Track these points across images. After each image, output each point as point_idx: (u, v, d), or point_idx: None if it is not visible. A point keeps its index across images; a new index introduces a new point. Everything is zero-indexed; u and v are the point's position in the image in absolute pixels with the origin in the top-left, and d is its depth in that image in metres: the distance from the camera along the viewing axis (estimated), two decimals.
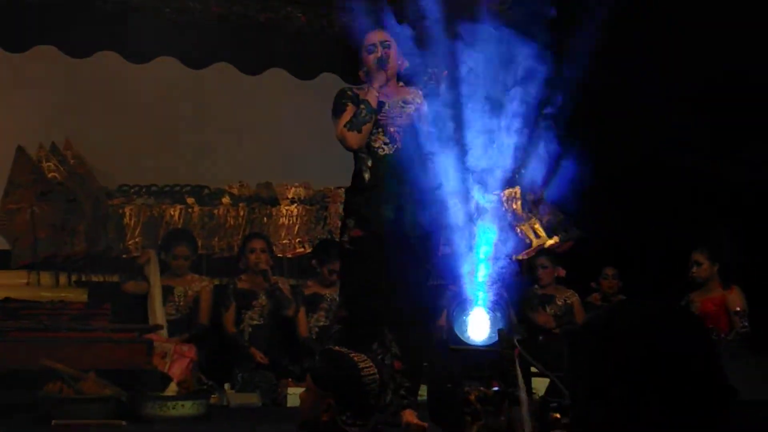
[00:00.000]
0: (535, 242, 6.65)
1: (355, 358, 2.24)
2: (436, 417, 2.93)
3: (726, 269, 5.49)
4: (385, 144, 3.94)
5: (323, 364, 2.24)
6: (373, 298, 3.87)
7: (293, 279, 5.99)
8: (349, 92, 4.00)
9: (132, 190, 6.05)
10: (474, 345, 2.50)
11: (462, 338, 2.56)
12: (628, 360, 1.07)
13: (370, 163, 3.93)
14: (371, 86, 3.93)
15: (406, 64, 4.04)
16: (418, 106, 4.02)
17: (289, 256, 6.20)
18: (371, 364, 2.25)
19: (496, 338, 2.43)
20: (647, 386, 1.07)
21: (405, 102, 3.99)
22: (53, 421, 3.91)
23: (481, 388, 1.99)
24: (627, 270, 6.21)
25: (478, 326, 2.48)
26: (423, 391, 4.01)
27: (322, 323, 5.62)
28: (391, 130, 3.93)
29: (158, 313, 5.25)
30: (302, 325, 5.59)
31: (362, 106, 3.89)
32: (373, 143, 3.92)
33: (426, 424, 3.87)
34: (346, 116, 3.92)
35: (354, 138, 3.88)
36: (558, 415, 1.74)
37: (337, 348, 2.33)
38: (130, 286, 5.35)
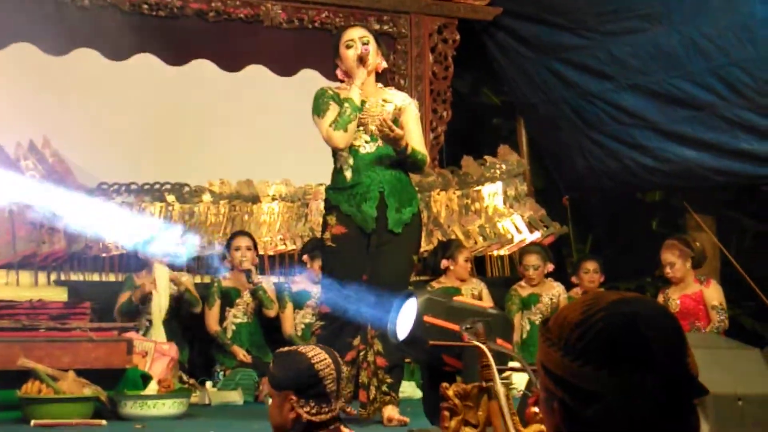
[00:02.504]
0: (517, 238, 6.67)
1: (303, 350, 2.28)
2: (429, 413, 2.92)
3: (697, 262, 5.50)
4: (366, 142, 3.95)
5: (276, 367, 2.28)
6: (356, 295, 3.87)
7: (275, 276, 5.97)
8: (330, 91, 4.00)
9: (111, 188, 6.01)
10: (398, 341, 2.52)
11: (395, 336, 2.57)
12: (619, 360, 1.08)
13: (351, 162, 3.94)
14: (352, 83, 3.93)
15: (385, 64, 4.04)
16: (398, 106, 4.01)
17: (271, 253, 6.19)
18: (320, 351, 2.29)
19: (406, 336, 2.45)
20: (640, 387, 1.07)
21: (384, 101, 4.00)
22: (33, 422, 3.89)
23: (460, 384, 1.99)
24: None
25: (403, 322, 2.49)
26: (404, 387, 4.01)
27: (307, 320, 5.61)
28: (372, 128, 3.93)
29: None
30: (288, 323, 5.57)
31: (346, 105, 3.89)
32: (354, 142, 3.93)
33: (407, 419, 3.88)
34: (330, 115, 3.92)
35: (341, 137, 3.89)
36: (537, 410, 1.74)
37: (285, 348, 2.36)
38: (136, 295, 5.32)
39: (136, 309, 5.32)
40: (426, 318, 2.37)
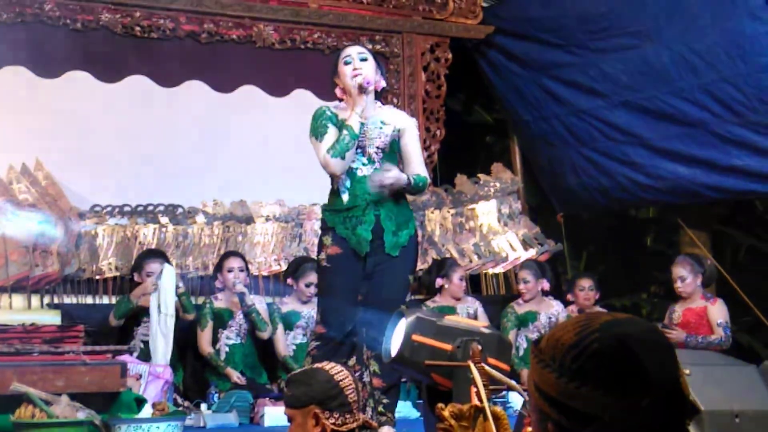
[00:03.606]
0: (512, 256, 6.67)
1: (319, 366, 2.29)
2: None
3: (707, 280, 5.57)
4: (363, 165, 3.93)
5: (293, 387, 2.27)
6: (351, 315, 3.86)
7: (269, 297, 5.96)
8: (328, 112, 3.97)
9: (104, 211, 6.00)
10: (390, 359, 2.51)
11: (388, 354, 2.56)
12: (622, 383, 1.08)
13: (348, 184, 3.92)
14: (351, 104, 3.90)
15: (384, 83, 4.01)
16: (397, 127, 4.00)
17: (265, 274, 6.17)
18: (335, 364, 2.30)
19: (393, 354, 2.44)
20: (636, 407, 1.07)
21: (383, 122, 3.97)
22: None
23: (455, 404, 1.98)
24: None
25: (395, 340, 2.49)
26: (400, 407, 3.99)
27: (299, 341, 5.60)
28: (369, 150, 3.92)
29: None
30: (280, 344, 5.56)
31: (345, 132, 3.86)
32: (351, 164, 3.91)
33: None
34: (328, 139, 3.89)
35: (338, 165, 3.86)
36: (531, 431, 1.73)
37: (298, 370, 2.37)
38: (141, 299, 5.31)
39: (132, 311, 5.30)
40: (414, 337, 2.36)
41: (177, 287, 5.33)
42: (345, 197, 3.91)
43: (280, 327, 5.57)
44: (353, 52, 3.96)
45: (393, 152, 3.97)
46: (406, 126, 4.01)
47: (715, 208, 7.09)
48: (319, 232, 4.09)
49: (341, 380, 2.22)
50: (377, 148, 3.93)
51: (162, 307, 5.09)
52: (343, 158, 3.85)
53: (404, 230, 3.93)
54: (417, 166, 3.96)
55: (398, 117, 4.06)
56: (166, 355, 5.08)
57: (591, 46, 6.50)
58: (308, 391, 2.21)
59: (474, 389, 2.00)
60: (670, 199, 6.61)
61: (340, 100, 4.01)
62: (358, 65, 3.91)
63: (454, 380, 2.21)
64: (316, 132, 3.93)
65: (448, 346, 2.19)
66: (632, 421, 1.08)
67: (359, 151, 3.91)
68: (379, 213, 3.89)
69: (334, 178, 3.94)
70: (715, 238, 7.09)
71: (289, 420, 2.29)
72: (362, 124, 3.89)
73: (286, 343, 5.57)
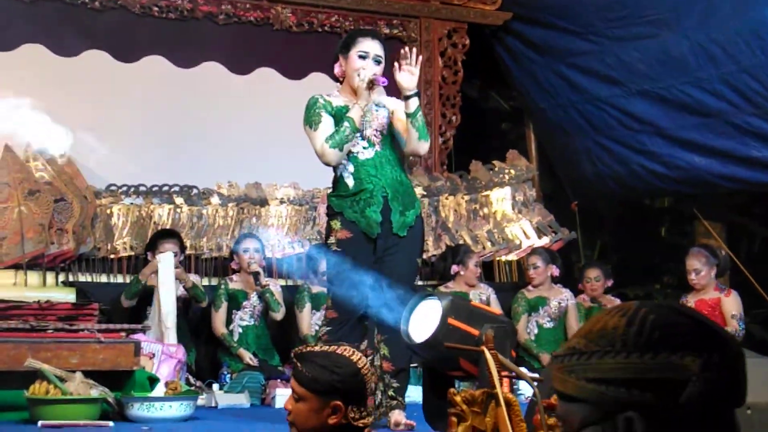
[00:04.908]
0: (525, 243, 6.66)
1: (344, 353, 2.20)
2: (429, 418, 2.92)
3: (721, 271, 5.56)
4: (364, 148, 3.94)
5: (317, 369, 2.15)
6: (361, 299, 3.87)
7: (282, 279, 5.98)
8: (321, 100, 3.97)
9: (120, 190, 6.02)
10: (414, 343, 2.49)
11: (408, 337, 2.54)
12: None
13: (351, 169, 3.93)
14: (356, 102, 3.90)
15: (386, 82, 3.99)
16: (390, 108, 4.01)
17: (279, 256, 6.19)
18: (358, 353, 2.22)
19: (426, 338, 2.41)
20: (715, 364, 1.07)
21: (377, 105, 3.99)
22: (40, 422, 3.89)
23: (468, 389, 1.98)
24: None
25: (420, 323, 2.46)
26: (411, 392, 4.01)
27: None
28: (368, 134, 3.94)
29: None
30: (304, 323, 5.56)
31: (346, 124, 3.86)
32: (352, 149, 3.92)
33: (414, 424, 3.87)
34: (325, 128, 3.90)
35: (335, 156, 3.87)
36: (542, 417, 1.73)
37: (317, 349, 2.25)
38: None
39: (142, 291, 5.32)
40: (450, 320, 2.35)
41: (185, 282, 5.34)
42: (350, 182, 3.92)
43: (307, 306, 5.57)
44: (372, 49, 3.94)
45: (390, 134, 4.00)
46: (397, 106, 4.02)
47: (731, 198, 7.06)
48: None
49: (366, 374, 2.16)
50: (376, 130, 3.96)
51: (163, 304, 5.07)
52: (341, 150, 3.86)
53: (410, 210, 3.96)
54: None
55: (389, 100, 4.08)
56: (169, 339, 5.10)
57: (609, 34, 6.46)
58: (333, 381, 2.13)
59: (496, 375, 1.99)
60: (686, 189, 6.59)
61: (338, 80, 4.02)
62: (373, 67, 3.90)
63: (479, 367, 2.20)
64: (311, 121, 3.94)
65: (476, 332, 2.18)
66: (713, 379, 1.06)
67: (358, 135, 3.93)
68: (386, 194, 3.91)
69: (329, 166, 3.95)
70: (730, 229, 7.06)
71: (296, 395, 2.19)
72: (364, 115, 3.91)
73: (310, 323, 5.56)
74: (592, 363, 1.10)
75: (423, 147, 3.97)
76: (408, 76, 3.87)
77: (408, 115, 3.88)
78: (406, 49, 3.95)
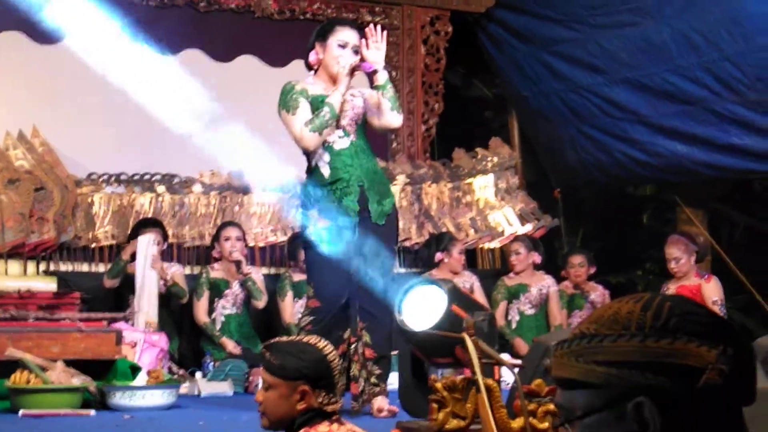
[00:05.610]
0: (508, 230, 6.67)
1: (311, 341, 2.26)
2: (406, 404, 2.93)
3: (701, 256, 5.59)
4: (340, 137, 3.95)
5: (284, 357, 2.22)
6: (343, 287, 3.87)
7: (265, 268, 5.96)
8: (298, 87, 3.97)
9: (101, 179, 5.99)
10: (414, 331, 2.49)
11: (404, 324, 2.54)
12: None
13: (327, 158, 3.93)
14: (335, 89, 3.89)
15: (372, 68, 3.97)
16: (363, 96, 4.02)
17: (261, 245, 6.17)
18: (326, 341, 2.28)
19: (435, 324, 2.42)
20: (731, 355, 1.07)
21: (352, 95, 3.99)
22: (21, 411, 3.88)
23: (448, 376, 1.99)
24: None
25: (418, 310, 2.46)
26: (393, 379, 4.01)
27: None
28: (344, 123, 3.93)
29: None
30: (287, 311, 5.55)
31: (326, 109, 3.86)
32: (328, 138, 3.92)
33: (396, 410, 3.88)
34: (303, 113, 3.89)
35: (314, 140, 3.87)
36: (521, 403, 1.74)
37: (284, 339, 2.33)
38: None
39: (124, 271, 5.35)
40: (454, 308, 2.36)
41: (165, 281, 5.35)
42: (326, 171, 3.93)
43: (290, 295, 5.57)
44: (351, 39, 3.95)
45: (364, 123, 4.01)
46: (370, 92, 4.04)
47: (713, 186, 7.09)
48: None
49: (332, 360, 2.22)
50: (351, 119, 3.96)
51: (140, 284, 5.09)
52: (320, 134, 3.86)
53: (387, 198, 3.99)
54: None
55: (364, 89, 4.10)
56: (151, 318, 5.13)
57: (591, 21, 6.47)
58: (300, 367, 2.19)
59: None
60: (668, 176, 6.61)
61: (311, 67, 4.01)
62: (351, 57, 3.91)
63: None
64: (287, 105, 3.94)
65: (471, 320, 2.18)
66: (728, 371, 1.06)
67: (334, 124, 3.93)
68: (363, 184, 3.92)
69: (307, 152, 3.95)
70: (712, 216, 7.09)
71: (266, 384, 2.25)
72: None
73: (293, 312, 5.56)
74: (603, 346, 1.08)
75: (396, 118, 3.96)
76: (375, 51, 3.90)
77: (378, 88, 3.89)
78: (371, 26, 3.96)
